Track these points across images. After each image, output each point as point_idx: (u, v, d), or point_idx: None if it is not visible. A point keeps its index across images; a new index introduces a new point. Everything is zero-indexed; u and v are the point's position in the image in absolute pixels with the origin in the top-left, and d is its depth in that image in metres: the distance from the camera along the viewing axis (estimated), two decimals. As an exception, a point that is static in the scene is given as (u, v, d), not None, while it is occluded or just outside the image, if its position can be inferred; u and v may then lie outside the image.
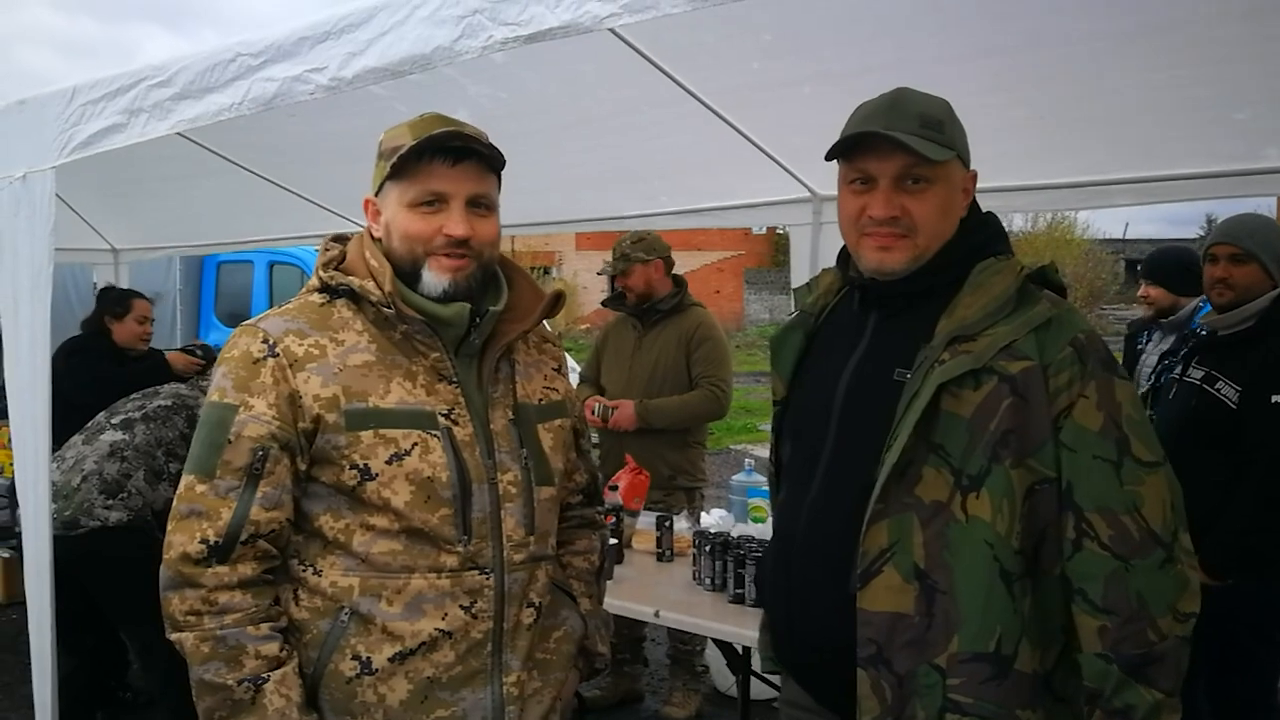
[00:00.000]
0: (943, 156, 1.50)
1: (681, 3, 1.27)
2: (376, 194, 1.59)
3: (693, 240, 26.00)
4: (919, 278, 1.55)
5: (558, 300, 1.70)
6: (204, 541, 1.46)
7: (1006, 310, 1.47)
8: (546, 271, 27.84)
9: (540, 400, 1.69)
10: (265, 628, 1.48)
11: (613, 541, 3.17)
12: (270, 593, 1.52)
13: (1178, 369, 3.03)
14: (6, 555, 4.76)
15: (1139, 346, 3.88)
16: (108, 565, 3.09)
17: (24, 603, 2.55)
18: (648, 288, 3.97)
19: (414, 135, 1.52)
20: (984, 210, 1.65)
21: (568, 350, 16.75)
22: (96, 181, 4.44)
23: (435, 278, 1.55)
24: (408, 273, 1.56)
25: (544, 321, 1.75)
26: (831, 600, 1.51)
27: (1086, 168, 3.16)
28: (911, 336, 1.51)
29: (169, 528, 1.50)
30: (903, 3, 2.39)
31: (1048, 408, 1.43)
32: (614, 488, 3.54)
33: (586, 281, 29.11)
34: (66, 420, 3.53)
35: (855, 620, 1.47)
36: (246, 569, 1.48)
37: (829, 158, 1.59)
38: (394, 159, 1.52)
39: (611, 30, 2.59)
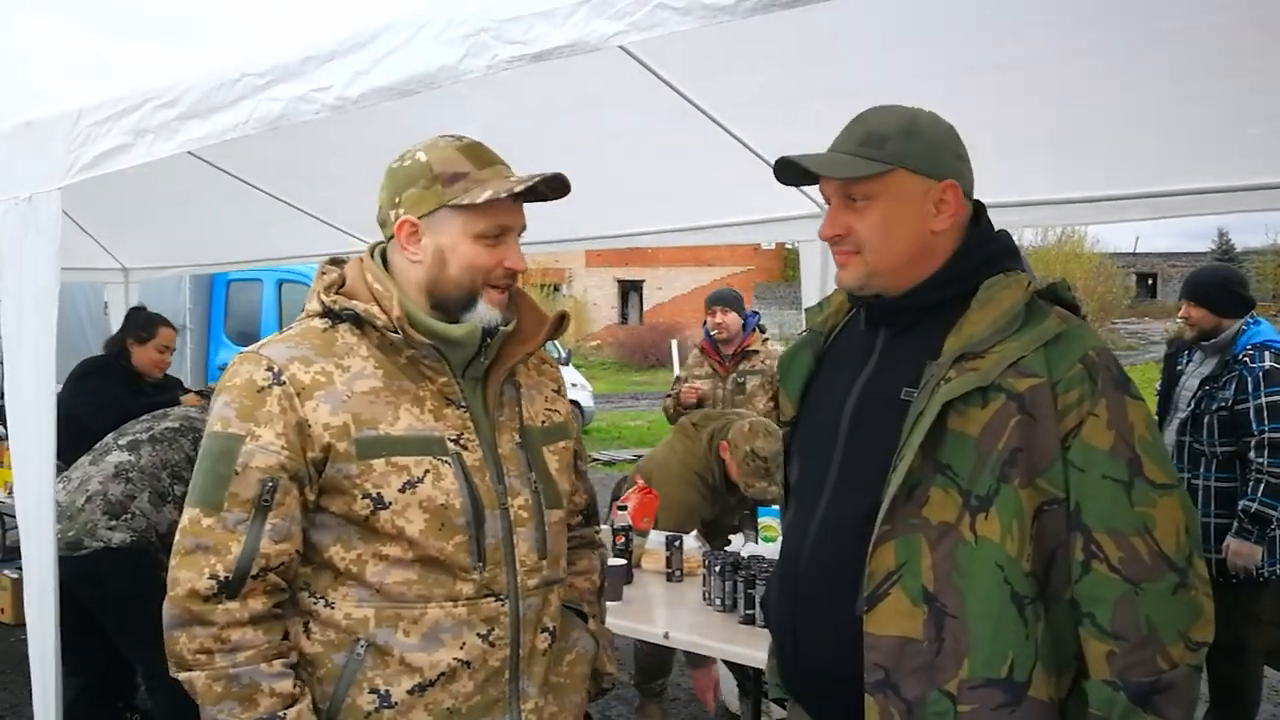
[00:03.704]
0: (853, 173, 1.49)
1: (690, 20, 1.25)
2: (422, 216, 1.54)
3: (702, 256, 26.03)
4: (920, 292, 1.53)
5: (562, 322, 1.68)
6: (213, 577, 1.42)
7: (1015, 326, 1.44)
8: (556, 289, 27.89)
9: (544, 423, 1.68)
10: (278, 664, 1.45)
11: (621, 562, 3.16)
12: (280, 628, 1.49)
13: None
14: (15, 576, 4.76)
15: (1178, 367, 3.83)
16: (111, 587, 3.08)
17: (31, 624, 2.54)
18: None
19: (475, 164, 1.52)
20: (996, 225, 1.63)
21: (577, 367, 16.68)
22: (107, 201, 4.46)
23: (488, 310, 1.56)
24: (459, 301, 1.55)
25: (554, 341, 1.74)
26: (837, 624, 1.48)
27: (1099, 183, 3.14)
28: (919, 354, 1.48)
29: (172, 563, 1.46)
30: (913, 16, 2.38)
31: (1057, 426, 1.40)
32: (623, 508, 3.51)
33: (596, 298, 29.16)
34: (79, 443, 3.55)
35: (862, 645, 1.43)
36: (257, 604, 1.45)
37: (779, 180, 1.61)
38: (458, 186, 1.51)
39: (620, 45, 2.59)
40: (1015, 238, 1.64)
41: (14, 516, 3.91)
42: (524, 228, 1.59)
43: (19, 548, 2.41)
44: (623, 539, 3.31)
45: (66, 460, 3.47)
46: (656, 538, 3.51)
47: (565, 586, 1.75)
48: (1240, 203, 2.97)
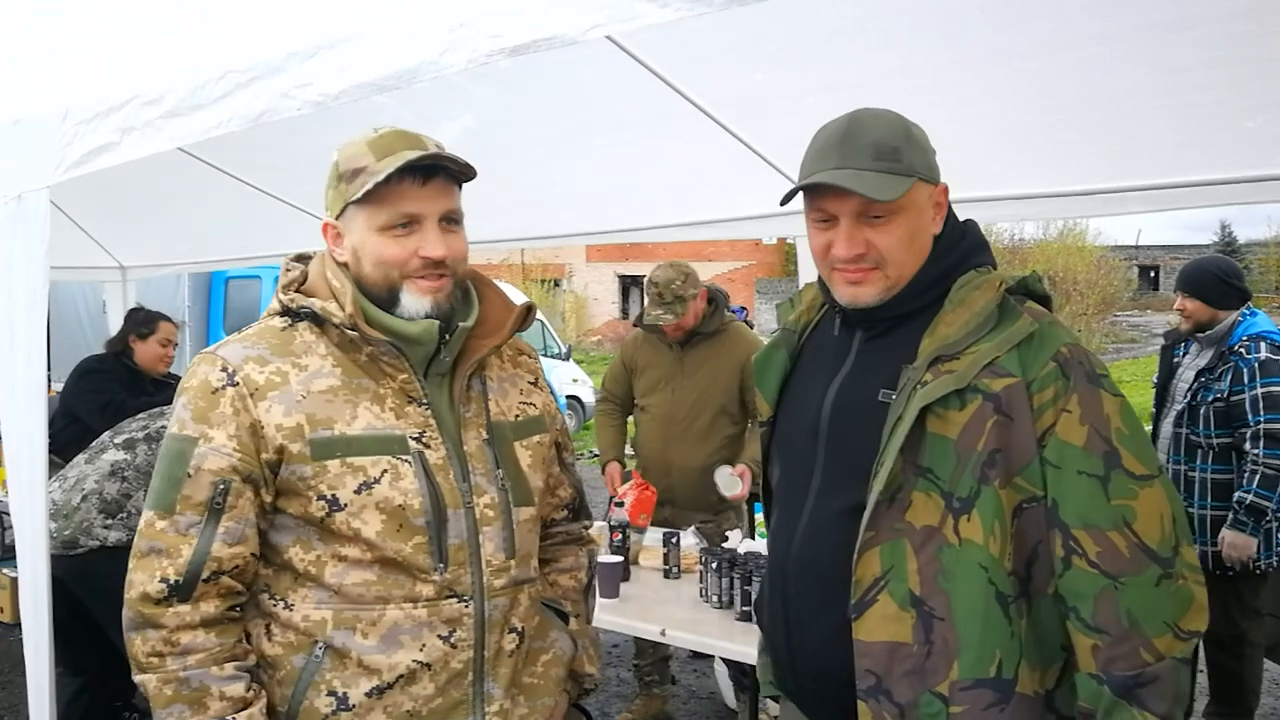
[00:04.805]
0: (897, 193, 1.45)
1: (668, 12, 1.24)
2: (337, 217, 1.52)
3: (703, 251, 26.02)
4: (899, 301, 1.51)
5: (528, 313, 1.64)
6: (164, 580, 1.41)
7: (988, 327, 1.44)
8: (557, 284, 27.90)
9: (517, 416, 1.64)
10: (230, 667, 1.43)
11: (619, 559, 3.16)
12: (235, 630, 1.47)
13: None
14: (14, 575, 4.77)
15: (1175, 359, 3.82)
16: (107, 585, 3.06)
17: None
18: (697, 319, 3.91)
19: (376, 155, 1.46)
20: (987, 218, 1.62)
21: (578, 362, 16.58)
22: (105, 199, 4.47)
23: (416, 300, 1.50)
24: (381, 298, 1.51)
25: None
26: (828, 629, 1.48)
27: (1100, 176, 3.12)
28: (895, 356, 1.48)
29: (130, 565, 1.45)
30: (909, 10, 2.36)
31: (1033, 425, 1.40)
32: (621, 504, 3.51)
33: (597, 293, 29.19)
34: (80, 440, 3.55)
35: (853, 650, 1.43)
36: (209, 607, 1.44)
37: (783, 203, 1.56)
38: (356, 182, 1.46)
39: (614, 42, 2.58)
40: (1016, 231, 1.64)
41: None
42: (450, 212, 1.51)
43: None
44: (620, 535, 3.31)
45: (67, 458, 3.48)
46: (654, 535, 3.51)
47: (547, 584, 1.73)
48: (1242, 194, 2.95)
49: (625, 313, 29.59)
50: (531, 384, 1.72)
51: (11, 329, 2.21)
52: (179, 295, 9.49)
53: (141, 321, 4.60)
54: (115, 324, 5.31)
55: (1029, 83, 2.60)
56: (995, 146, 2.78)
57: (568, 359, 14.56)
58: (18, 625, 2.48)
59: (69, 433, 4.24)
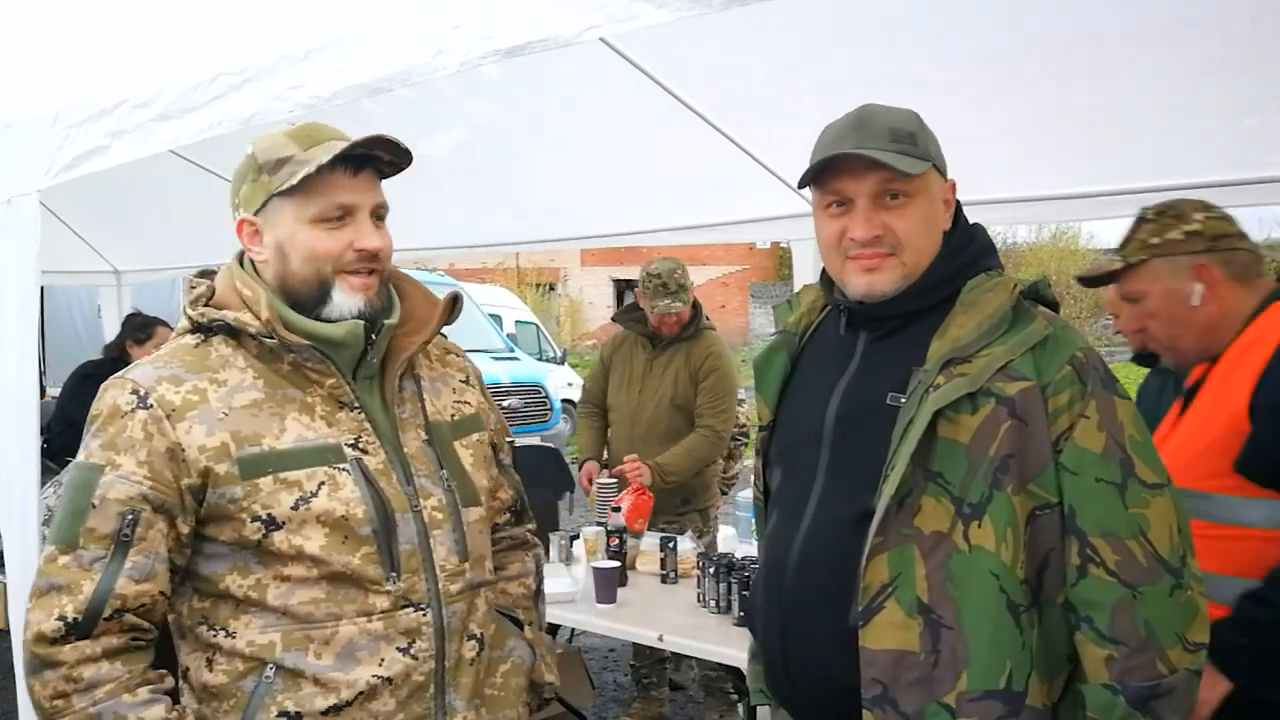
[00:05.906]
0: (918, 169, 1.44)
1: (665, 13, 1.23)
2: (257, 211, 1.45)
3: (697, 255, 25.99)
4: (909, 298, 1.49)
5: (454, 305, 1.57)
6: (61, 619, 1.31)
7: (1001, 329, 1.42)
8: (552, 288, 27.89)
9: (454, 415, 1.59)
10: (144, 692, 1.34)
11: (616, 564, 3.15)
12: (144, 657, 1.38)
13: None
14: (6, 581, 4.76)
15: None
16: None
17: (19, 631, 2.52)
18: (692, 315, 3.91)
19: (301, 145, 1.41)
20: (981, 222, 1.60)
21: (573, 366, 16.47)
22: (99, 203, 4.45)
23: (348, 299, 1.44)
24: (310, 296, 1.44)
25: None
26: (830, 636, 1.45)
27: (1093, 179, 3.12)
28: (903, 358, 1.45)
29: (27, 605, 1.36)
30: (904, 11, 2.36)
31: (1048, 430, 1.38)
32: (617, 509, 3.49)
33: (592, 297, 29.17)
34: (76, 446, 3.52)
35: (856, 657, 1.40)
36: (112, 640, 1.34)
37: (802, 185, 1.54)
38: (283, 172, 1.41)
39: (608, 44, 2.58)
40: (1009, 234, 1.63)
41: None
42: (380, 206, 1.47)
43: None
44: (616, 540, 3.30)
45: (63, 463, 3.46)
46: (650, 539, 3.50)
47: (497, 593, 1.66)
48: (1233, 197, 2.94)
49: (621, 316, 29.47)
50: (464, 382, 1.66)
51: (2, 334, 2.20)
52: (174, 299, 9.44)
53: (139, 326, 4.61)
54: (110, 328, 5.30)
55: (1023, 86, 2.60)
56: (989, 150, 2.78)
57: (563, 363, 14.53)
58: (8, 631, 2.46)
59: (65, 438, 4.22)
